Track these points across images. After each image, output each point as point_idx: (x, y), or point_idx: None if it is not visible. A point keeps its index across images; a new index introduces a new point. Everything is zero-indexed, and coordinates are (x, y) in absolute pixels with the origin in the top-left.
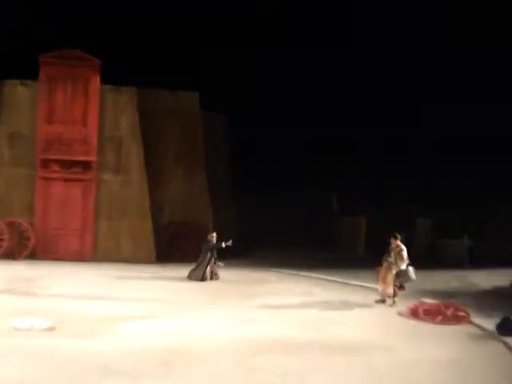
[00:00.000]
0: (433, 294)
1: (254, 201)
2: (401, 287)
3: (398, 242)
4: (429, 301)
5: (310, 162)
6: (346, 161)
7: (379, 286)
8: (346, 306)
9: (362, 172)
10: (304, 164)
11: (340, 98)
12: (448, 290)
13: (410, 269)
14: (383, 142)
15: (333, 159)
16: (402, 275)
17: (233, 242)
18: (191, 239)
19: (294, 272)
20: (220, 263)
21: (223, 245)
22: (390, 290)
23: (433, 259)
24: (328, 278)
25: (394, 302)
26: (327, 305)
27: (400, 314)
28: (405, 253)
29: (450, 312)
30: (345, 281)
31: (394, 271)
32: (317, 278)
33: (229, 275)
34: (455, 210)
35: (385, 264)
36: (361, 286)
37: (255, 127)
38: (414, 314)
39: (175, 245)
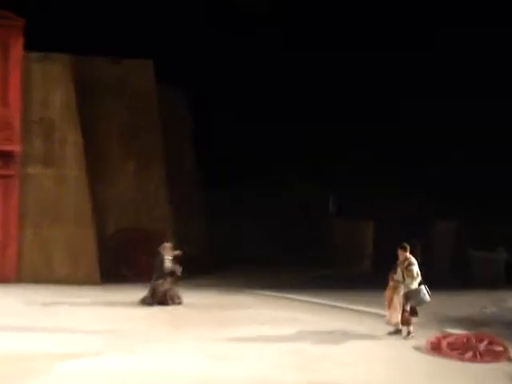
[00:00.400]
0: (459, 322)
1: (226, 201)
2: (412, 312)
3: (407, 255)
4: (455, 331)
5: (296, 155)
6: (344, 153)
7: (386, 313)
8: (346, 338)
9: (362, 165)
10: (287, 156)
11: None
12: (480, 318)
13: (423, 288)
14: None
15: (324, 153)
16: (412, 296)
17: (188, 251)
18: (145, 251)
19: (277, 294)
20: (178, 274)
21: (169, 259)
22: (397, 318)
23: (458, 277)
24: (323, 301)
25: (409, 333)
26: (322, 336)
27: (417, 348)
28: (415, 267)
29: (482, 346)
30: (345, 305)
31: (401, 292)
32: (308, 302)
33: (195, 298)
34: (485, 213)
35: (391, 283)
36: (367, 313)
37: (226, 110)
38: (436, 348)
39: (124, 260)
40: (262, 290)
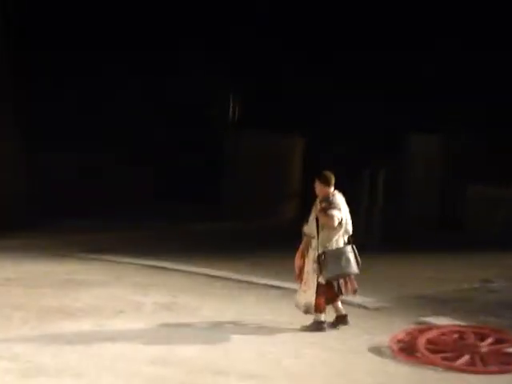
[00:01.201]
0: (444, 305)
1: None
2: (330, 289)
3: (329, 191)
4: (437, 322)
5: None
6: None
7: (298, 289)
8: (251, 333)
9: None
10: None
11: None
12: (479, 298)
13: (346, 250)
14: None
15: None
16: (325, 263)
17: None
18: None
19: (134, 260)
20: None
21: None
22: (311, 296)
23: (445, 229)
24: (210, 271)
25: (319, 323)
26: (212, 333)
27: (375, 351)
28: (338, 212)
29: (485, 346)
30: (247, 278)
31: (311, 254)
32: (187, 273)
33: None
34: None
35: (304, 242)
36: (281, 289)
37: None
38: (408, 350)
39: None
40: (110, 254)
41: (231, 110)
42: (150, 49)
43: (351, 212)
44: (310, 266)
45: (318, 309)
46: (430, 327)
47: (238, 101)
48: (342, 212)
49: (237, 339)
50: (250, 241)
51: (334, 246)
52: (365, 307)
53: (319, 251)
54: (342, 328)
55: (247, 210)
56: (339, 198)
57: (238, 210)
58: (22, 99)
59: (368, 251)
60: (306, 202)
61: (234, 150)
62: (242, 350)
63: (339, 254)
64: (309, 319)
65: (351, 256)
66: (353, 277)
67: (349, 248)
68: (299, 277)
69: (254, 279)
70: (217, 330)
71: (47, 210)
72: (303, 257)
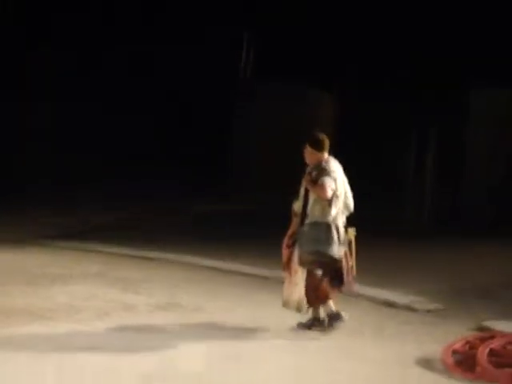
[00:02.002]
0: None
1: None
2: (336, 283)
3: (322, 156)
4: (504, 327)
5: None
6: None
7: (285, 285)
8: (269, 339)
9: None
10: None
11: None
12: None
13: (328, 226)
14: None
15: None
16: (306, 236)
17: None
18: None
19: (122, 250)
20: None
21: None
22: (301, 291)
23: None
24: (215, 264)
25: (314, 320)
26: (219, 340)
27: (424, 361)
28: (328, 180)
29: None
30: (259, 272)
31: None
32: (187, 265)
33: None
34: None
35: (294, 222)
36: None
37: None
38: (466, 363)
39: None
40: (89, 241)
41: (243, 60)
42: None
43: (393, 184)
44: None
45: (311, 301)
46: (494, 335)
47: (252, 48)
48: (337, 181)
49: (252, 348)
50: (264, 225)
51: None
52: (412, 309)
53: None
54: (384, 335)
55: (263, 184)
56: (334, 165)
57: (251, 186)
58: None
59: (417, 236)
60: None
61: (247, 109)
62: (259, 361)
63: (318, 226)
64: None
65: (335, 235)
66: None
67: (333, 225)
68: (287, 267)
69: (267, 273)
70: (225, 336)
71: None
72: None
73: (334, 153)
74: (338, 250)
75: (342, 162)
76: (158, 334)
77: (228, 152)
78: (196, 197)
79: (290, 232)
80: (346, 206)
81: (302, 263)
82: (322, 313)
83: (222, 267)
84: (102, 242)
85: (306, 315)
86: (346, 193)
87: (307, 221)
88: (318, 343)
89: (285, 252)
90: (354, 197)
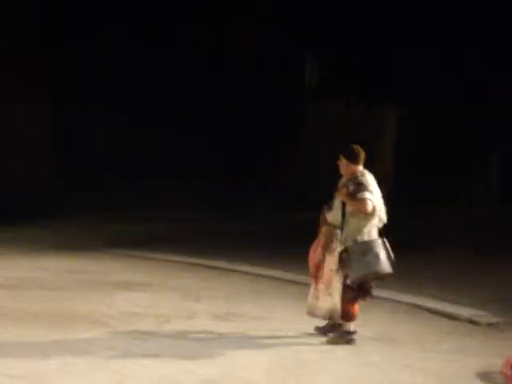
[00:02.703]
0: None
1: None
2: (357, 292)
3: (357, 169)
4: None
5: None
6: None
7: (311, 291)
8: (329, 352)
9: None
10: None
11: None
12: None
13: (377, 244)
14: None
15: None
16: (350, 261)
17: None
18: None
19: (183, 258)
20: None
21: None
22: (332, 302)
23: None
24: (277, 273)
25: (347, 334)
26: (280, 351)
27: (484, 375)
28: (371, 195)
29: None
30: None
31: (339, 248)
32: (248, 274)
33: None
34: None
35: (323, 231)
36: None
37: None
38: None
39: None
40: (142, 249)
41: (308, 76)
42: None
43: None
44: (335, 262)
45: (348, 316)
46: None
47: (315, 65)
48: (375, 195)
49: (312, 358)
50: None
51: (365, 238)
52: (475, 322)
53: (346, 245)
54: (444, 348)
55: (327, 197)
56: (370, 179)
57: (312, 196)
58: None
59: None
60: (400, 187)
61: (310, 123)
62: (319, 372)
63: (364, 249)
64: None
65: (381, 251)
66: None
67: (378, 242)
68: (315, 275)
69: None
70: (285, 346)
71: (77, 193)
72: (324, 251)
73: (397, 171)
74: (389, 265)
75: (405, 182)
76: (218, 342)
77: (293, 163)
78: (260, 207)
79: (320, 240)
80: (380, 219)
81: (353, 282)
82: (353, 325)
83: (284, 277)
84: (165, 250)
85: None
86: (380, 205)
87: (349, 242)
88: (379, 355)
89: (313, 260)
90: (423, 216)
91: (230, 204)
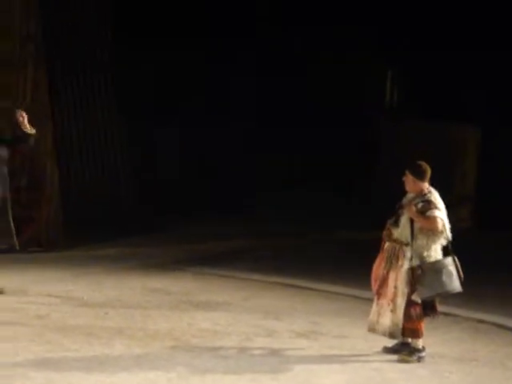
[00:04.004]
0: None
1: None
2: (427, 310)
3: (424, 185)
4: None
5: None
6: None
7: (374, 307)
8: (420, 376)
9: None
10: None
11: None
12: None
13: (448, 262)
14: None
15: None
16: (423, 279)
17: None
18: None
19: (265, 277)
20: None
21: None
22: (396, 319)
23: None
24: (363, 294)
25: (416, 351)
26: (366, 371)
27: None
28: (440, 213)
29: None
30: None
31: (405, 265)
32: (331, 294)
33: (94, 286)
34: None
35: (386, 246)
36: (451, 316)
37: None
38: None
39: None
40: (245, 270)
41: (388, 92)
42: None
43: None
44: (400, 279)
45: (416, 334)
46: None
47: (396, 81)
48: (442, 213)
49: (394, 378)
50: None
51: (432, 256)
52: None
53: (414, 263)
54: None
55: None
56: (437, 196)
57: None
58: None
59: None
60: (483, 207)
61: (390, 141)
62: None
63: (439, 267)
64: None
65: (453, 270)
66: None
67: (450, 259)
68: (379, 291)
69: None
70: (368, 365)
71: (159, 209)
72: (387, 267)
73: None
74: (459, 283)
75: (488, 201)
76: (300, 360)
77: (372, 179)
78: (338, 224)
79: (384, 255)
80: (446, 236)
81: (424, 300)
82: (421, 343)
83: (364, 296)
84: (246, 268)
85: (395, 340)
86: (444, 224)
87: (416, 260)
88: (460, 374)
89: (375, 276)
90: None
91: (311, 217)
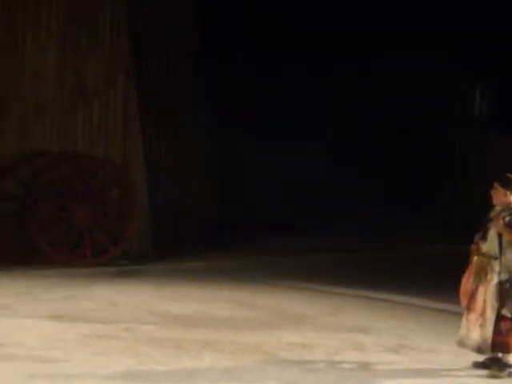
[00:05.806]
0: None
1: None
2: None
3: (510, 198)
4: None
5: None
6: None
7: (463, 322)
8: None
9: None
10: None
11: None
12: None
13: None
14: None
15: None
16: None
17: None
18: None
19: (352, 291)
20: None
21: None
22: (486, 333)
23: None
24: (454, 308)
25: (507, 366)
26: None
27: None
28: None
29: None
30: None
31: (494, 280)
32: (420, 308)
33: (181, 301)
34: None
35: (475, 261)
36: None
37: None
38: None
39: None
40: (320, 282)
41: (477, 104)
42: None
43: None
44: (489, 294)
45: (506, 348)
46: None
47: (486, 94)
48: None
49: None
50: None
51: None
52: None
53: (503, 277)
54: None
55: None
56: None
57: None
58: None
59: None
60: None
61: (477, 152)
62: None
63: None
64: None
65: None
66: None
67: None
68: (468, 306)
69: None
70: (457, 381)
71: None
72: (476, 281)
73: None
74: None
75: None
76: (388, 374)
77: (460, 192)
78: (425, 237)
79: (473, 269)
80: None
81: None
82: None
83: (453, 310)
84: (331, 282)
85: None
86: None
87: (504, 274)
88: None
89: (464, 290)
90: None
91: (396, 231)
